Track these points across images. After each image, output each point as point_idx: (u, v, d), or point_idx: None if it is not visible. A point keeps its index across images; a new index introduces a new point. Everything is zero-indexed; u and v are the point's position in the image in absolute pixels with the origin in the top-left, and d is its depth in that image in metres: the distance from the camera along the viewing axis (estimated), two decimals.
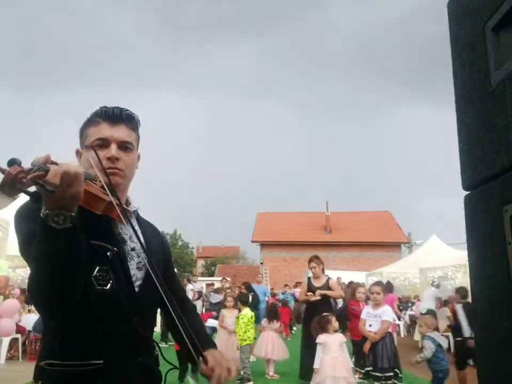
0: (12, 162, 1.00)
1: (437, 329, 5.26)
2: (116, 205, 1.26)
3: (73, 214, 1.08)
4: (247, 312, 6.88)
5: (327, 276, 6.17)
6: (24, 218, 1.25)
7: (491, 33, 0.87)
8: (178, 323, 1.33)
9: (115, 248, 1.31)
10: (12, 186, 0.98)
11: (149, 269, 1.34)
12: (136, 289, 1.35)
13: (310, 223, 29.98)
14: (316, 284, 6.02)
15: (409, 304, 13.60)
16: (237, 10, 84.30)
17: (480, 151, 0.88)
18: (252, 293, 9.45)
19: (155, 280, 1.32)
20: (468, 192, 0.94)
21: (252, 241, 30.08)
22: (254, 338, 7.00)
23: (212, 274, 36.73)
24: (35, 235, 1.13)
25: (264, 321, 7.60)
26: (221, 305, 8.87)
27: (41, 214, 1.07)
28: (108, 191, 1.25)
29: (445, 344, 5.09)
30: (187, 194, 70.18)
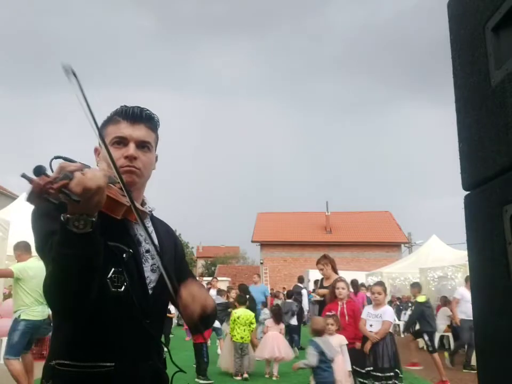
0: (38, 171, 0.98)
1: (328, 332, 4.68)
2: (133, 209, 1.26)
3: (94, 219, 1.07)
4: (237, 311, 6.97)
5: (340, 276, 5.87)
6: (41, 216, 1.24)
7: (491, 33, 0.87)
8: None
9: (131, 250, 1.30)
10: (39, 196, 0.97)
11: (162, 271, 1.31)
12: (150, 291, 1.34)
13: (310, 223, 29.98)
14: (326, 284, 6.01)
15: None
16: (235, 10, 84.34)
17: (480, 151, 0.88)
18: (248, 295, 9.50)
19: (167, 280, 1.29)
20: (468, 192, 0.94)
21: (252, 241, 30.08)
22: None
23: (212, 274, 36.71)
24: (52, 234, 1.12)
25: (269, 322, 7.60)
26: (222, 306, 8.92)
27: (62, 217, 1.05)
28: (125, 192, 1.25)
29: (332, 353, 4.41)
30: (187, 194, 70.19)
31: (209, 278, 18.89)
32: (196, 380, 6.45)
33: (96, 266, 1.12)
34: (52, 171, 1.17)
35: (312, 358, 4.28)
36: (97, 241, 1.10)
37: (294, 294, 11.32)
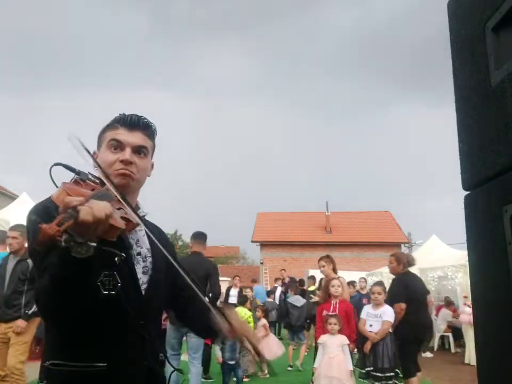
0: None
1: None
2: (132, 224, 1.29)
3: (95, 244, 1.07)
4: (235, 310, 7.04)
5: (339, 276, 5.85)
6: (38, 219, 1.24)
7: (491, 33, 0.87)
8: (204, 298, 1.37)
9: (122, 254, 1.32)
10: (46, 243, 0.99)
11: (178, 267, 1.34)
12: (143, 292, 1.36)
13: (310, 223, 29.98)
14: None
15: None
16: (232, 10, 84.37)
17: (480, 151, 0.88)
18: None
19: (183, 274, 1.34)
20: (468, 192, 0.94)
21: (252, 241, 30.07)
22: None
23: None
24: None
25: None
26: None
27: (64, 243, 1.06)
28: (124, 202, 1.27)
29: None
30: (187, 194, 70.23)
31: (227, 279, 18.67)
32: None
33: (90, 281, 1.15)
34: (52, 178, 1.19)
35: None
36: (95, 262, 1.12)
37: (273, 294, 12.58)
